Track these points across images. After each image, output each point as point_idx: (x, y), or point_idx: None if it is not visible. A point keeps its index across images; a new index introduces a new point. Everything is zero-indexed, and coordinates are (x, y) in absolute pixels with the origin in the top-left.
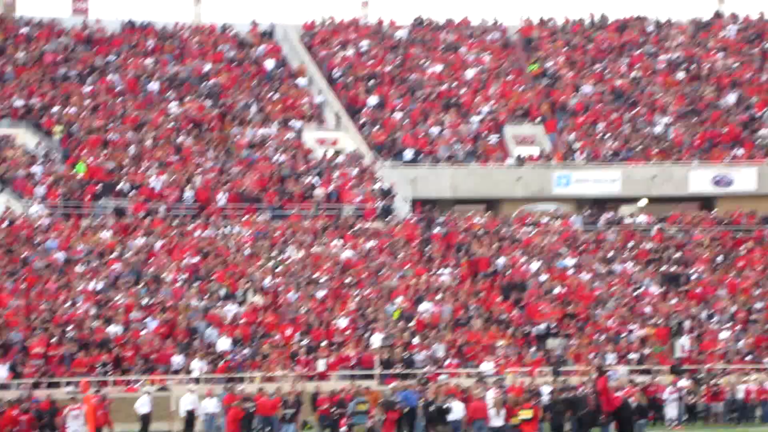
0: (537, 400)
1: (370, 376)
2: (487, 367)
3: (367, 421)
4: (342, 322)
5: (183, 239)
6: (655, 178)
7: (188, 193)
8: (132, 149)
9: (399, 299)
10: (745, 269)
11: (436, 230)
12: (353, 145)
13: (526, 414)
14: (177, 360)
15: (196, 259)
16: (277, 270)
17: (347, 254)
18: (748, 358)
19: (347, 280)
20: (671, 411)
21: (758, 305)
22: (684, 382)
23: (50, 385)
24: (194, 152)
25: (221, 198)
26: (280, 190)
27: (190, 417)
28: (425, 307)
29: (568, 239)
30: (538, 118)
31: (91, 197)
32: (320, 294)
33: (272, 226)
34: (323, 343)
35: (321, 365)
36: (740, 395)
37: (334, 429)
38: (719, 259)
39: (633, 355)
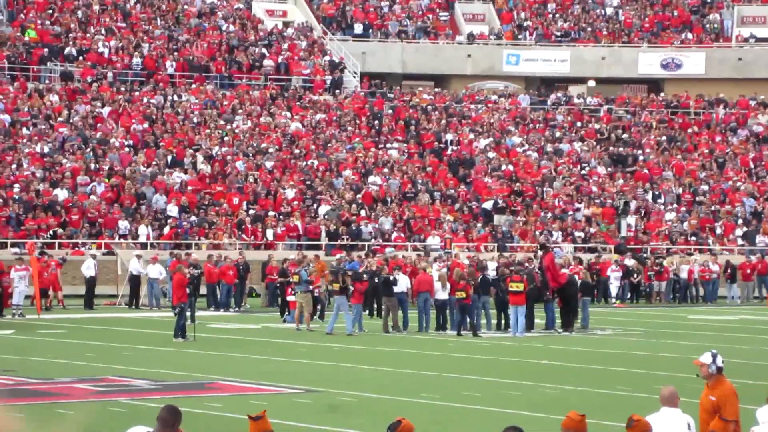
0: (524, 272)
1: (317, 247)
2: (434, 241)
3: (313, 290)
4: (289, 193)
5: (131, 106)
6: (604, 60)
7: (136, 60)
8: (79, 14)
9: (347, 172)
10: (691, 152)
11: (386, 105)
12: (303, 17)
13: (517, 286)
14: (123, 225)
15: (143, 126)
16: (225, 139)
17: (296, 126)
18: (692, 239)
19: (295, 152)
20: (614, 289)
21: (703, 187)
22: (628, 262)
23: None
24: (142, 19)
25: (169, 66)
26: (229, 60)
27: (135, 281)
28: (373, 180)
29: (516, 117)
30: None
31: (37, 61)
32: (268, 164)
33: (220, 95)
34: (270, 213)
35: (268, 235)
36: (683, 275)
37: (282, 297)
38: (666, 141)
39: (579, 234)
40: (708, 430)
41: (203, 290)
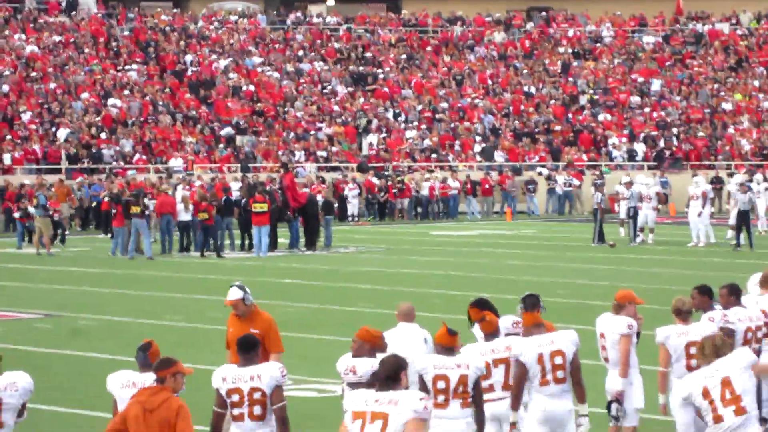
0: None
1: (57, 171)
2: (176, 163)
3: (52, 214)
4: (26, 116)
5: None
6: None
7: None
8: None
9: (85, 94)
10: (430, 70)
11: (124, 26)
12: None
13: (260, 207)
14: None
15: None
16: None
17: (31, 48)
18: (432, 156)
19: (32, 75)
20: (353, 207)
21: (443, 105)
22: (370, 179)
23: None
24: None
25: None
26: None
27: None
28: (113, 103)
29: (256, 38)
30: None
31: None
32: (4, 88)
33: None
34: (8, 137)
35: (6, 159)
36: (424, 192)
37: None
38: (405, 59)
39: (321, 153)
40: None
41: None
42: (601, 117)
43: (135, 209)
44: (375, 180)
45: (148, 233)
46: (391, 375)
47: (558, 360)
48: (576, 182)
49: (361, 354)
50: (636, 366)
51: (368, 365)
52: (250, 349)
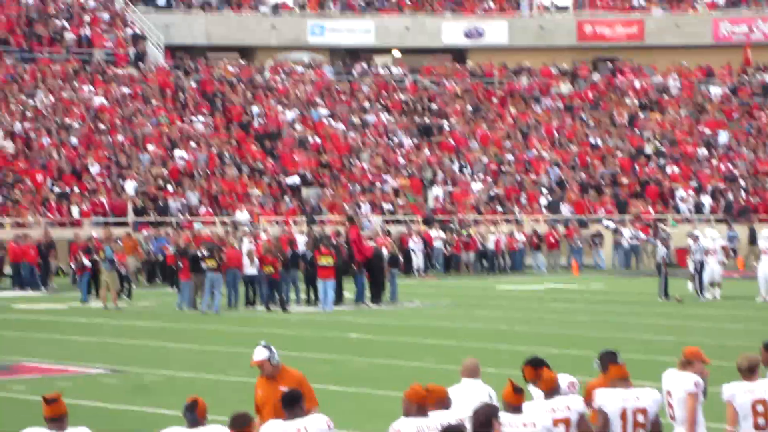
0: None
1: (124, 223)
2: (242, 215)
3: (120, 267)
4: (94, 169)
5: None
6: (408, 30)
7: None
8: None
9: (152, 146)
10: (496, 121)
11: (190, 78)
12: None
13: (326, 260)
14: None
15: None
16: (27, 114)
17: (99, 100)
18: (498, 209)
19: (100, 127)
20: (418, 260)
21: (509, 157)
22: (436, 232)
23: None
24: None
25: None
26: (29, 33)
27: None
28: (179, 155)
29: (322, 89)
30: None
31: None
32: (73, 140)
33: (21, 69)
34: (75, 190)
35: (74, 212)
36: (490, 245)
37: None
38: (471, 111)
39: (387, 205)
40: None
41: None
42: (668, 169)
43: (210, 263)
44: (433, 233)
45: (220, 288)
46: (484, 423)
47: (640, 418)
48: (643, 235)
49: (410, 413)
50: (703, 424)
51: (413, 426)
52: (294, 404)
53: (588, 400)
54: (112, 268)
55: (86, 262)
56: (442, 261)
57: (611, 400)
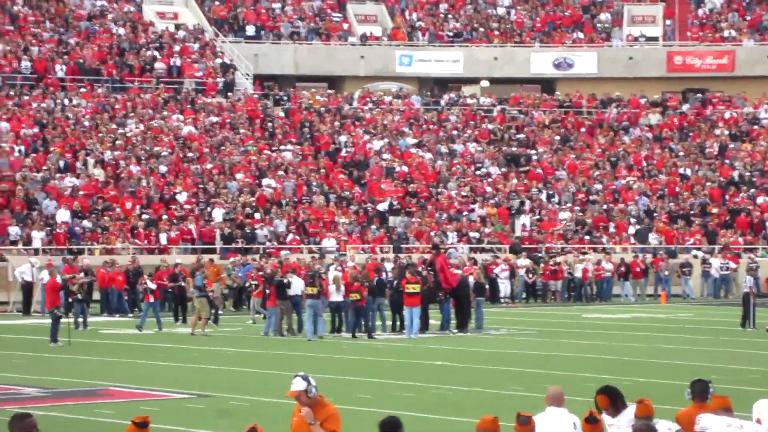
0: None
1: (212, 251)
2: (329, 243)
3: (208, 294)
4: (182, 197)
5: (20, 110)
6: (497, 60)
7: (25, 64)
8: None
9: (240, 175)
10: (584, 151)
11: (279, 107)
12: (194, 20)
13: (412, 287)
14: (14, 231)
15: (34, 131)
16: (117, 143)
17: (188, 129)
18: (586, 237)
19: (188, 155)
20: (505, 288)
21: (597, 186)
22: (523, 261)
23: None
24: (30, 22)
25: (59, 70)
26: (120, 63)
27: (28, 288)
28: (267, 183)
29: (410, 118)
30: None
31: None
32: (161, 168)
33: (112, 99)
34: (164, 217)
35: (162, 239)
36: (578, 274)
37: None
38: (559, 140)
39: (474, 234)
40: None
41: (97, 296)
42: (759, 200)
43: (311, 290)
44: (519, 261)
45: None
46: None
47: None
48: (732, 265)
49: None
50: None
51: None
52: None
53: (683, 426)
54: (202, 295)
55: (151, 285)
56: (525, 289)
57: (716, 425)
